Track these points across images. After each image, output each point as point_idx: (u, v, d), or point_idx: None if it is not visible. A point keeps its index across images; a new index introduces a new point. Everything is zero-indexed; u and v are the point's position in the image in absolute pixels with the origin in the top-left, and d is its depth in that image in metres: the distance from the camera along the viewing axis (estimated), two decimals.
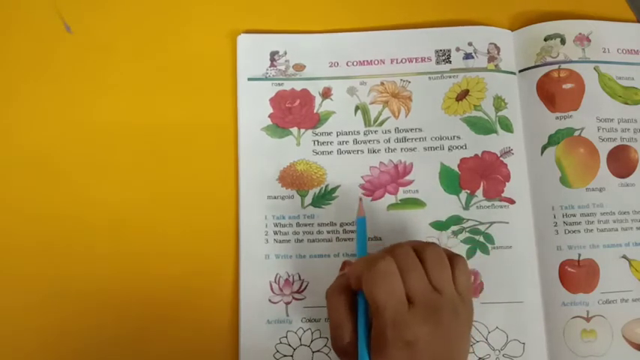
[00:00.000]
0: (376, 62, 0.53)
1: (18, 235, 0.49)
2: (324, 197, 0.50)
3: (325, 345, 0.48)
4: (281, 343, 0.48)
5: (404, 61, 0.53)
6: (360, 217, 0.45)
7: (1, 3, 0.53)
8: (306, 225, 0.49)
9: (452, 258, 0.41)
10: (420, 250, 0.41)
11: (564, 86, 0.51)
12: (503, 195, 0.50)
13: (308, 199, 0.50)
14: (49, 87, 0.52)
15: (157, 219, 0.49)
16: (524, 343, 0.47)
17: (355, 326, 0.41)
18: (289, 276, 0.48)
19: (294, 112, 0.51)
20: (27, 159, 0.50)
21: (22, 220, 0.49)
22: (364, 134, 0.51)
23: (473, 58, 0.52)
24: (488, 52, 0.52)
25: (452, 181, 0.50)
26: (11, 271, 0.48)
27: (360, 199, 0.47)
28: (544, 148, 0.50)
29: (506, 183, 0.50)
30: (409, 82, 0.52)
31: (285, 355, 0.47)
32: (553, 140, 0.50)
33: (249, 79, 0.52)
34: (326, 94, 0.52)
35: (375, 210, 0.50)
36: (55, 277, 0.48)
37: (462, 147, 0.50)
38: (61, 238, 0.49)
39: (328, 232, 0.49)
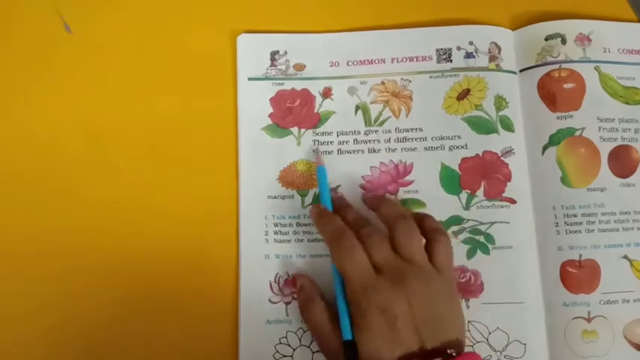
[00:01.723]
0: (377, 61, 0.52)
1: (18, 235, 0.49)
2: None
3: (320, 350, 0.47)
4: (281, 343, 0.47)
5: (405, 60, 0.52)
6: (320, 166, 0.48)
7: (1, 3, 0.53)
8: (306, 225, 0.49)
9: (434, 232, 0.45)
10: (391, 223, 0.44)
11: (565, 86, 0.51)
12: (504, 195, 0.50)
13: (308, 199, 0.50)
14: (49, 87, 0.52)
15: (157, 219, 0.49)
16: (525, 344, 0.47)
17: (338, 327, 0.42)
18: (289, 276, 0.48)
19: (294, 111, 0.51)
20: (27, 158, 0.50)
21: (21, 219, 0.49)
22: (364, 134, 0.51)
23: (474, 57, 0.52)
24: (489, 52, 0.52)
25: (452, 181, 0.50)
26: (11, 269, 0.48)
27: (315, 151, 0.50)
28: (545, 147, 0.50)
29: (507, 183, 0.50)
30: (410, 81, 0.52)
31: (284, 356, 0.47)
32: (554, 140, 0.50)
33: (249, 79, 0.52)
34: (326, 93, 0.52)
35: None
36: (54, 276, 0.48)
37: (462, 147, 0.50)
38: (61, 237, 0.49)
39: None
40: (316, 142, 0.51)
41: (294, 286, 0.48)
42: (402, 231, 0.43)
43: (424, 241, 0.45)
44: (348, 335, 0.41)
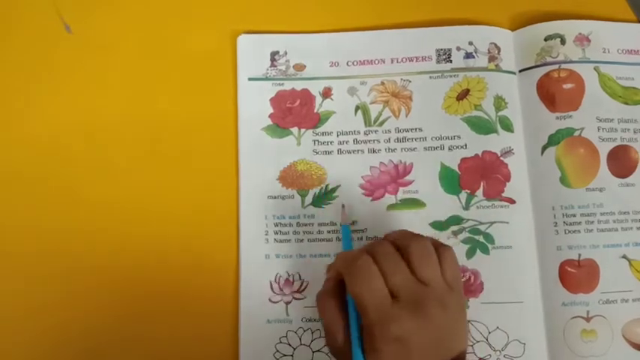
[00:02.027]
0: (376, 62, 0.53)
1: (18, 235, 0.49)
2: (325, 197, 0.50)
3: (325, 345, 0.48)
4: (281, 342, 0.48)
5: (404, 60, 0.53)
6: (344, 225, 0.46)
7: (1, 3, 0.53)
8: (306, 225, 0.49)
9: (438, 249, 0.41)
10: (405, 244, 0.40)
11: (564, 86, 0.51)
12: (503, 195, 0.50)
13: (308, 199, 0.50)
14: (49, 87, 0.52)
15: (157, 219, 0.49)
16: (524, 344, 0.47)
17: (347, 326, 0.41)
18: (289, 275, 0.48)
19: (294, 111, 0.51)
20: (27, 158, 0.50)
21: (21, 219, 0.49)
22: (364, 134, 0.51)
23: (474, 57, 0.52)
24: (489, 52, 0.52)
25: (452, 181, 0.50)
26: (10, 269, 0.48)
27: (343, 206, 0.48)
28: (544, 148, 0.50)
29: (507, 183, 0.50)
30: (410, 81, 0.52)
31: (285, 355, 0.47)
32: (553, 140, 0.50)
33: (249, 79, 0.52)
34: (326, 93, 0.52)
35: (375, 210, 0.50)
36: (54, 276, 0.48)
37: (462, 147, 0.50)
38: (61, 237, 0.49)
39: (328, 232, 0.49)
40: (316, 142, 0.51)
41: (294, 286, 0.48)
42: (418, 251, 0.40)
43: None
44: None
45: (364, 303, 0.39)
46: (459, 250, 0.48)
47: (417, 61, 0.52)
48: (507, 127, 0.51)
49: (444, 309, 0.39)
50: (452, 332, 0.40)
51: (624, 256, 0.49)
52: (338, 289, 0.42)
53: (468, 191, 0.50)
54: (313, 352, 0.48)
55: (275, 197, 0.50)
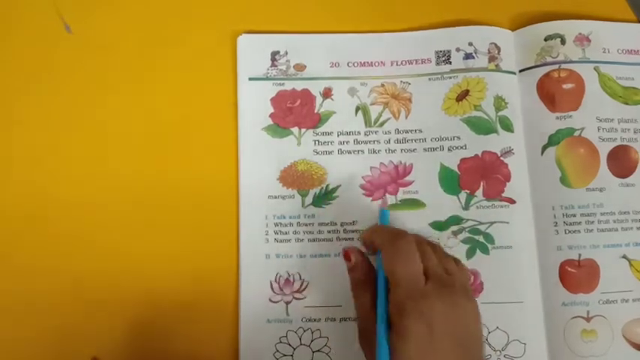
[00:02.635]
0: (377, 64, 0.53)
1: (17, 235, 0.49)
2: (325, 197, 0.50)
3: (325, 345, 0.48)
4: (281, 342, 0.48)
5: (404, 63, 0.53)
6: (383, 210, 0.47)
7: (1, 3, 0.53)
8: (306, 225, 0.49)
9: (457, 262, 0.44)
10: (425, 245, 0.43)
11: (564, 86, 0.51)
12: (503, 195, 0.50)
13: (308, 199, 0.50)
14: (48, 87, 0.52)
15: (157, 218, 0.49)
16: (524, 344, 0.47)
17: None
18: (290, 275, 0.49)
19: (294, 111, 0.51)
20: (27, 158, 0.50)
21: (20, 219, 0.49)
22: (365, 135, 0.51)
23: (473, 58, 0.52)
24: (489, 52, 0.52)
25: (451, 181, 0.50)
26: (10, 271, 0.49)
27: (385, 196, 0.49)
28: (544, 148, 0.50)
29: (507, 183, 0.50)
30: (409, 83, 0.52)
31: (285, 355, 0.47)
32: (553, 140, 0.50)
33: (250, 79, 0.52)
34: (327, 94, 0.52)
35: (375, 211, 0.50)
36: (55, 277, 0.48)
37: (461, 147, 0.50)
38: (62, 237, 0.49)
39: (329, 232, 0.49)
40: (316, 142, 0.51)
41: (294, 286, 0.48)
42: (442, 250, 0.44)
43: None
44: (384, 345, 0.39)
45: (399, 275, 0.40)
46: (459, 250, 0.49)
47: (416, 63, 0.52)
48: (507, 127, 0.51)
49: (469, 300, 0.41)
50: (477, 337, 0.41)
51: (624, 256, 0.49)
52: (368, 280, 0.44)
53: (468, 191, 0.50)
54: (313, 352, 0.48)
55: (275, 197, 0.50)
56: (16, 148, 0.51)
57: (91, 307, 0.48)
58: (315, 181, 0.50)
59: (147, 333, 0.47)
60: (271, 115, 0.51)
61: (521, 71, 0.52)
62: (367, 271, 0.45)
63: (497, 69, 0.52)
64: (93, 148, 0.51)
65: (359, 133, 0.51)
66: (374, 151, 0.51)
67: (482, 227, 0.49)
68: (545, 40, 0.52)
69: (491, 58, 0.52)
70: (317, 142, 0.51)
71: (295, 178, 0.50)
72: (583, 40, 0.52)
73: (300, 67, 0.52)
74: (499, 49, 0.52)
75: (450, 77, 0.52)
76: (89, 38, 0.53)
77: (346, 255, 0.46)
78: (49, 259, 0.49)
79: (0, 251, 0.49)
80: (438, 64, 0.52)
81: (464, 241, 0.49)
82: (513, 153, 0.50)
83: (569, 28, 0.53)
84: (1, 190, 0.50)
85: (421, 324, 0.38)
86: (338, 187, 0.50)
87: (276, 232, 0.49)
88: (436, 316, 0.38)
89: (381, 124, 0.51)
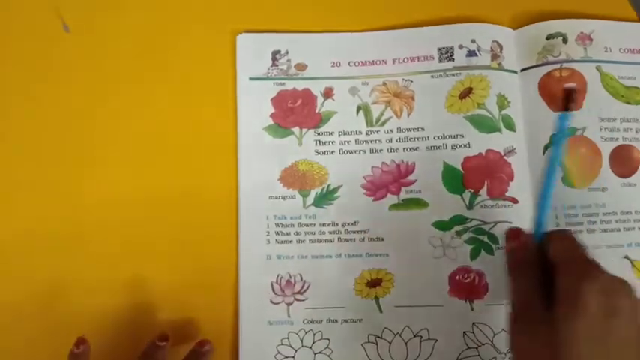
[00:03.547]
0: (378, 62, 0.52)
1: (17, 235, 0.49)
2: (326, 197, 0.50)
3: (327, 346, 0.47)
4: (282, 344, 0.47)
5: (406, 60, 0.52)
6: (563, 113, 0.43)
7: (1, 3, 0.53)
8: (307, 225, 0.49)
9: None
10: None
11: (566, 86, 0.51)
12: (507, 194, 0.49)
13: (310, 200, 0.49)
14: (47, 86, 0.51)
15: (158, 218, 0.49)
16: None
17: (543, 299, 0.38)
18: (291, 276, 0.48)
19: (295, 111, 0.51)
20: (26, 158, 0.50)
21: (20, 219, 0.49)
22: (366, 134, 0.51)
23: (476, 55, 0.52)
24: (492, 50, 0.52)
25: (455, 180, 0.50)
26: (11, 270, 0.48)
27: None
28: (546, 147, 0.50)
29: (510, 182, 0.50)
30: (411, 81, 0.52)
31: (286, 357, 0.47)
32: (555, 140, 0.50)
33: (250, 79, 0.51)
34: (328, 93, 0.52)
35: (377, 211, 0.49)
36: (57, 279, 0.48)
37: (465, 146, 0.50)
38: (58, 238, 0.49)
39: (330, 233, 0.49)
40: (318, 142, 0.50)
41: (296, 287, 0.48)
42: None
43: None
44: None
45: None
46: (463, 250, 0.48)
47: (418, 60, 0.52)
48: (510, 126, 0.51)
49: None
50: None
51: (626, 257, 0.49)
52: (532, 256, 0.41)
53: (472, 190, 0.49)
54: (315, 353, 0.47)
55: (276, 198, 0.49)
56: (15, 147, 0.50)
57: (91, 308, 0.48)
58: (317, 181, 0.50)
59: (146, 334, 0.47)
60: (272, 115, 0.51)
61: (522, 70, 0.52)
62: (532, 253, 0.41)
63: (500, 67, 0.52)
64: (92, 147, 0.50)
65: (360, 132, 0.51)
66: (376, 151, 0.50)
67: (486, 227, 0.49)
68: (547, 39, 0.52)
69: (494, 57, 0.52)
70: (318, 142, 0.50)
71: (296, 178, 0.50)
72: (585, 39, 0.52)
73: (301, 67, 0.52)
74: (501, 48, 0.52)
75: (453, 74, 0.51)
76: (88, 38, 0.52)
77: (513, 234, 0.44)
78: (46, 260, 0.48)
79: (0, 251, 0.49)
80: (440, 61, 0.52)
81: (468, 242, 0.49)
82: (516, 152, 0.50)
83: (571, 27, 0.52)
84: (1, 190, 0.50)
85: (598, 299, 0.35)
86: (339, 187, 0.50)
87: (277, 233, 0.49)
88: (619, 297, 0.35)
89: (383, 124, 0.51)
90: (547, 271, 0.39)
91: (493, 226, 0.49)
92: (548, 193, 0.41)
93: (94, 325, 0.47)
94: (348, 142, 0.51)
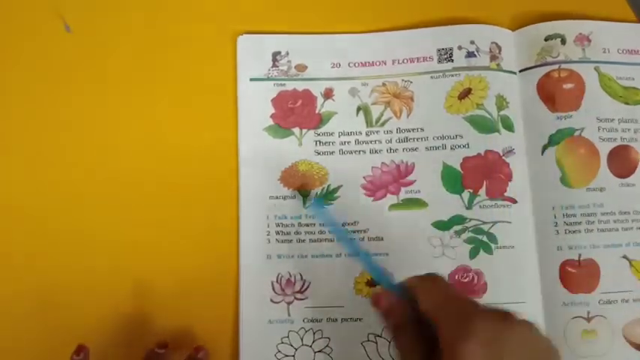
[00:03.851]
0: (378, 63, 0.52)
1: (17, 235, 0.49)
2: (326, 197, 0.50)
3: (327, 345, 0.48)
4: (283, 343, 0.47)
5: (406, 61, 0.52)
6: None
7: (1, 3, 0.53)
8: (307, 225, 0.49)
9: None
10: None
11: (564, 86, 0.51)
12: (505, 194, 0.50)
13: (310, 200, 0.50)
14: (48, 86, 0.51)
15: (158, 218, 0.49)
16: None
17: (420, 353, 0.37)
18: (291, 276, 0.48)
19: (296, 112, 0.51)
20: (26, 159, 0.50)
21: (20, 219, 0.49)
22: (366, 134, 0.51)
23: (475, 56, 0.52)
24: (490, 51, 0.52)
25: (454, 180, 0.50)
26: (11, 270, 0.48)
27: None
28: (544, 147, 0.50)
29: (509, 182, 0.50)
30: (411, 82, 0.52)
31: (286, 355, 0.47)
32: (553, 140, 0.50)
33: (251, 80, 0.52)
34: (328, 94, 0.52)
35: (377, 211, 0.50)
36: (53, 273, 0.48)
37: (464, 146, 0.50)
38: (61, 235, 0.49)
39: (330, 232, 0.49)
40: (318, 143, 0.51)
41: (296, 286, 0.48)
42: None
43: None
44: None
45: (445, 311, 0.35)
46: (462, 250, 0.49)
47: (418, 61, 0.52)
48: (508, 126, 0.51)
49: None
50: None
51: (625, 257, 0.49)
52: (405, 318, 0.38)
53: (471, 190, 0.50)
54: (315, 352, 0.47)
55: (277, 197, 0.50)
56: (15, 147, 0.50)
57: (91, 308, 0.48)
58: (317, 181, 0.50)
59: (147, 333, 0.47)
60: (272, 116, 0.51)
61: (521, 71, 0.52)
62: (403, 312, 0.38)
63: (499, 68, 0.52)
64: (93, 147, 0.51)
65: (360, 133, 0.51)
66: (375, 151, 0.51)
67: (485, 227, 0.49)
68: (546, 40, 0.52)
69: (493, 57, 0.52)
70: (318, 143, 0.51)
71: (296, 178, 0.50)
72: (583, 40, 0.52)
73: (301, 68, 0.52)
74: (500, 49, 0.52)
75: (453, 75, 0.52)
76: (89, 38, 0.53)
77: (377, 300, 0.39)
78: (45, 256, 0.49)
79: (0, 251, 0.49)
80: (440, 61, 0.52)
81: (467, 241, 0.49)
82: (514, 153, 0.50)
83: (570, 28, 0.53)
84: (1, 190, 0.50)
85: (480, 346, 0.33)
86: (339, 187, 0.50)
87: (277, 233, 0.49)
88: (502, 340, 0.34)
89: (383, 124, 0.51)
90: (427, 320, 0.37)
91: (492, 226, 0.49)
92: (356, 249, 0.40)
93: (94, 326, 0.47)
94: (347, 143, 0.51)
